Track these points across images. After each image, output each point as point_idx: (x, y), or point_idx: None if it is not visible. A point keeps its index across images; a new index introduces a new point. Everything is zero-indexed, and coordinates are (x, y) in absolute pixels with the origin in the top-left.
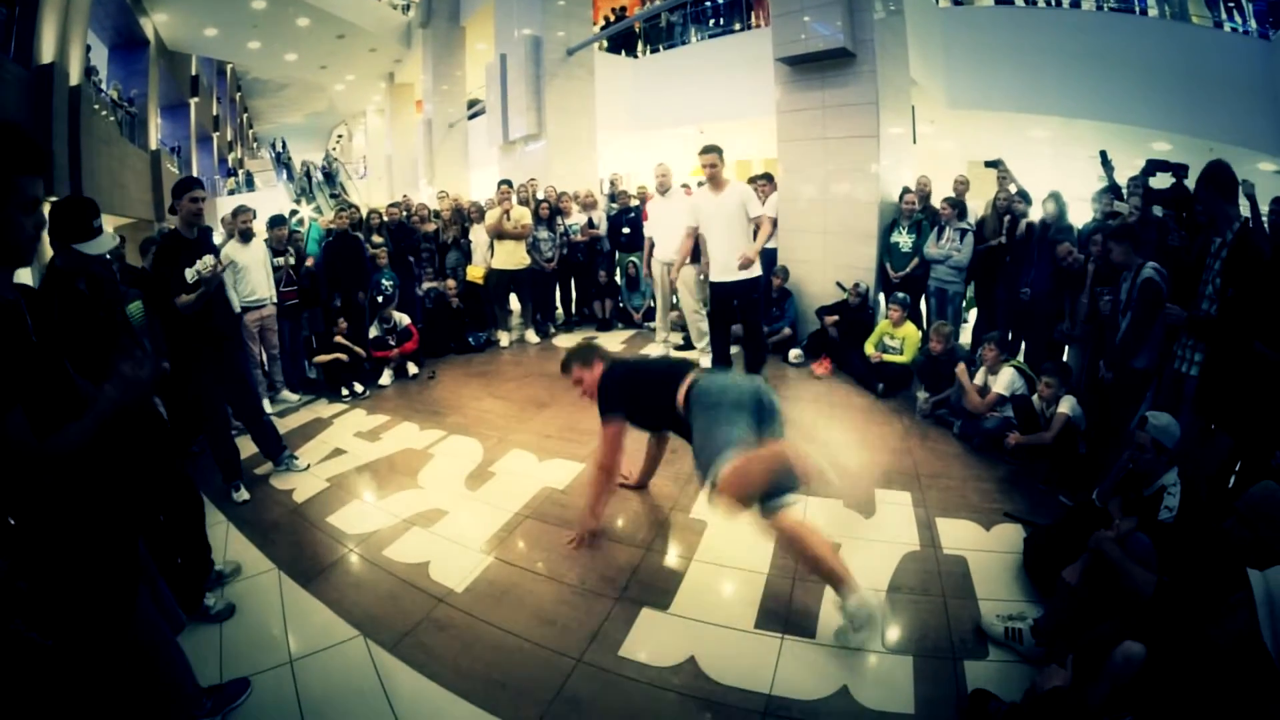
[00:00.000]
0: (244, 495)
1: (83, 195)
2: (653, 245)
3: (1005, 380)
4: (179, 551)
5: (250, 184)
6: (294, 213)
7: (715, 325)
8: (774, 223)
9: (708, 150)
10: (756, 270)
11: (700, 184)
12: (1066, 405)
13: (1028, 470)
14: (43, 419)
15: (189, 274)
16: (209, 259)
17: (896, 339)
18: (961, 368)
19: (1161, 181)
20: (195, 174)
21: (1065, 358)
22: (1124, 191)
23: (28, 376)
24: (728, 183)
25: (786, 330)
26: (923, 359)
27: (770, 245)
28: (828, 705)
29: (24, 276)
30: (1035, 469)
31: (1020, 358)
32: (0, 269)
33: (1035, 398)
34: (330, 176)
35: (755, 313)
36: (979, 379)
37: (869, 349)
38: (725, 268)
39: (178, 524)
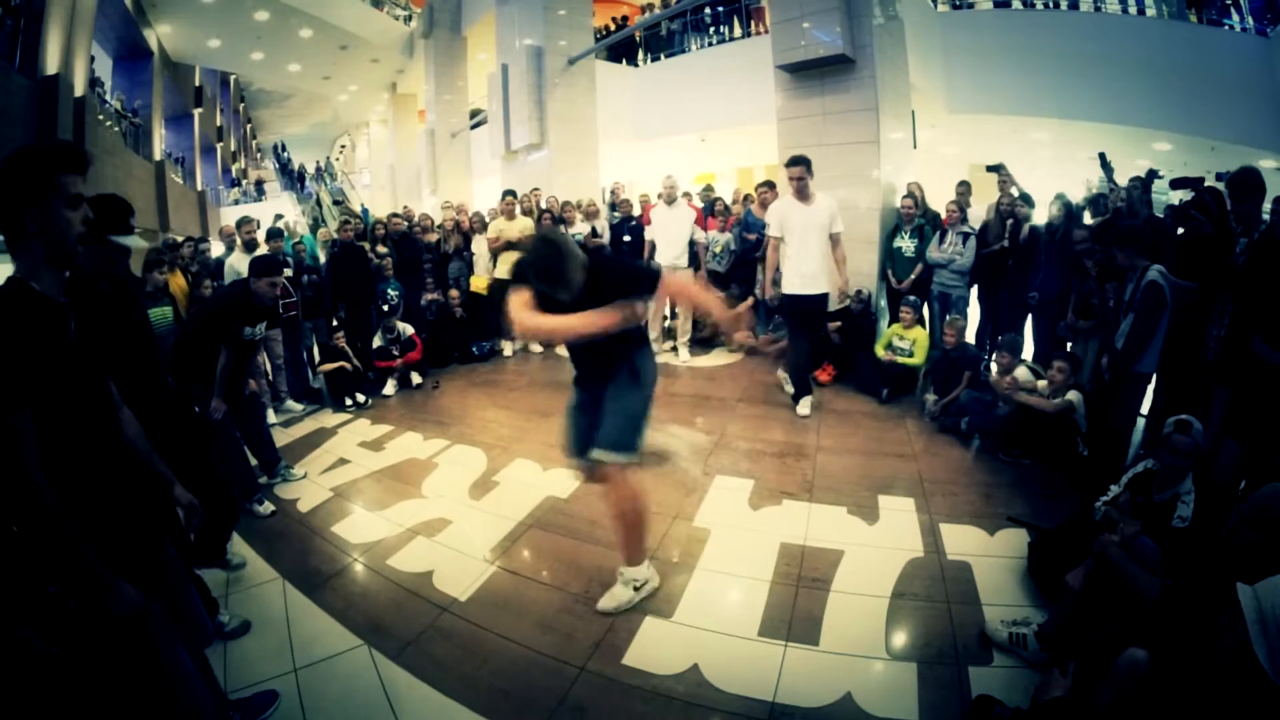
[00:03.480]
0: (269, 508)
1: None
2: (654, 248)
3: (1022, 378)
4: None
5: (260, 193)
6: (279, 216)
7: (797, 340)
8: None
9: (795, 162)
10: (827, 285)
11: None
12: (1074, 396)
13: (1030, 470)
14: (66, 427)
15: (246, 332)
16: (262, 327)
17: (907, 340)
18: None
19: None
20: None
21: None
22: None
23: (56, 381)
24: (815, 195)
25: None
26: (938, 354)
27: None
28: (831, 712)
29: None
30: (1035, 469)
31: (1029, 359)
32: (52, 270)
33: (1043, 383)
34: (322, 172)
35: (824, 325)
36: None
37: (879, 351)
38: (807, 279)
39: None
